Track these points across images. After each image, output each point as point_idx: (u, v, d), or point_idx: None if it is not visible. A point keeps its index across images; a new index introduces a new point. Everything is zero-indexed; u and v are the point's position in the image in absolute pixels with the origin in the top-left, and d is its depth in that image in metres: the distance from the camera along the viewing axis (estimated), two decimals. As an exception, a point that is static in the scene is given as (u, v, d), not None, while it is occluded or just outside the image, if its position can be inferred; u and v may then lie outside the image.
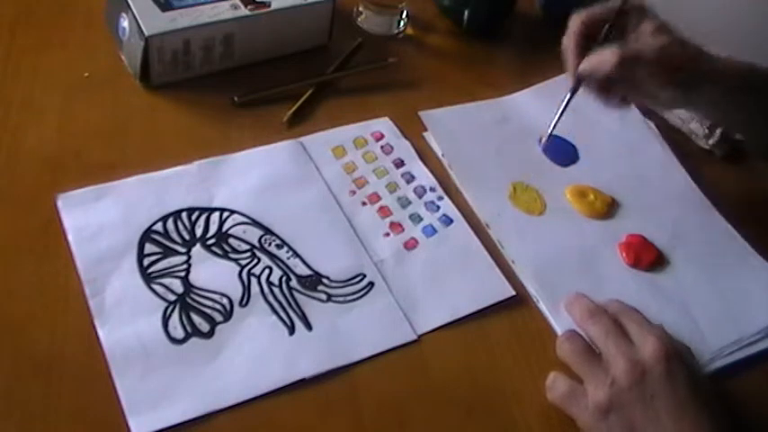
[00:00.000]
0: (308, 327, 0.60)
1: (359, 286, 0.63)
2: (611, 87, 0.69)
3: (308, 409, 0.55)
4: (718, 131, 0.82)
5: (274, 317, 0.60)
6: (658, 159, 0.80)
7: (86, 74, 0.74)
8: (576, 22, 0.68)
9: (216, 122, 0.73)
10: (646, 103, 0.77)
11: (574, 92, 0.71)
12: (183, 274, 0.61)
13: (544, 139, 0.75)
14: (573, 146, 0.79)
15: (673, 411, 0.54)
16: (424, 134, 0.77)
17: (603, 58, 0.66)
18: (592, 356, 0.58)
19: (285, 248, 0.64)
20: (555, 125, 0.73)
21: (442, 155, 0.75)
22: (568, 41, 0.68)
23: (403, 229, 0.68)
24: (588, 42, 0.68)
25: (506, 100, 0.82)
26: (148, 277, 0.60)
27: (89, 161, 0.67)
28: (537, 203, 0.73)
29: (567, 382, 0.58)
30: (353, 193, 0.70)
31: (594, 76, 0.67)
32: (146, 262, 0.61)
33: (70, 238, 0.61)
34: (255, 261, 0.63)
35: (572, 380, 0.58)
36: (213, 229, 0.64)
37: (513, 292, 0.65)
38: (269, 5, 0.76)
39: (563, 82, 0.71)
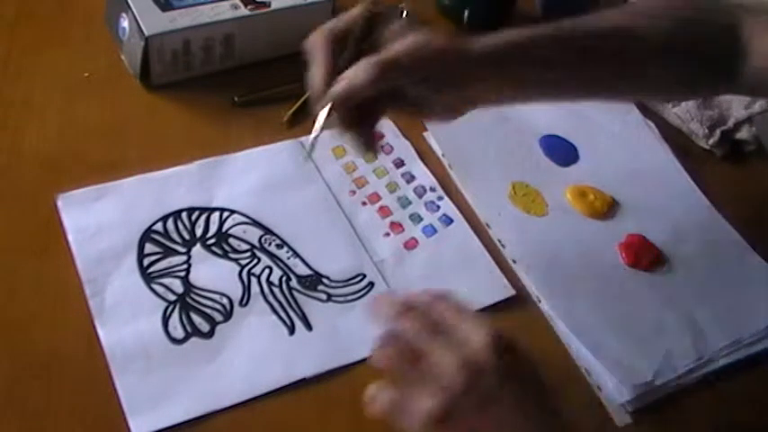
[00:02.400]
0: (308, 327, 0.60)
1: (359, 286, 0.63)
2: (372, 109, 0.58)
3: (308, 409, 0.55)
4: (718, 131, 0.82)
5: (274, 317, 0.60)
6: (658, 159, 0.80)
7: (86, 74, 0.74)
8: (318, 40, 0.56)
9: (216, 122, 0.73)
10: (428, 119, 0.66)
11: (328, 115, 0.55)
12: (183, 273, 0.61)
13: (307, 148, 0.58)
14: (573, 146, 0.79)
15: (514, 410, 0.48)
16: (424, 134, 0.77)
17: (357, 74, 0.53)
18: (415, 357, 0.49)
19: (285, 248, 0.64)
20: (314, 143, 0.57)
21: (442, 155, 0.75)
22: (314, 66, 0.55)
23: (403, 229, 0.68)
24: (335, 58, 0.56)
25: (506, 100, 0.82)
26: (148, 277, 0.60)
27: (89, 161, 0.67)
28: (537, 203, 0.73)
29: (390, 392, 0.49)
30: (353, 193, 0.70)
31: (351, 98, 0.54)
32: (146, 262, 0.61)
33: (70, 237, 0.61)
34: (255, 261, 0.63)
35: (397, 389, 0.49)
36: (213, 228, 0.64)
37: (513, 292, 0.65)
38: (269, 5, 0.76)
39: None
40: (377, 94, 0.55)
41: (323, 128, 0.55)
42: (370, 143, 0.58)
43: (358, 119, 0.57)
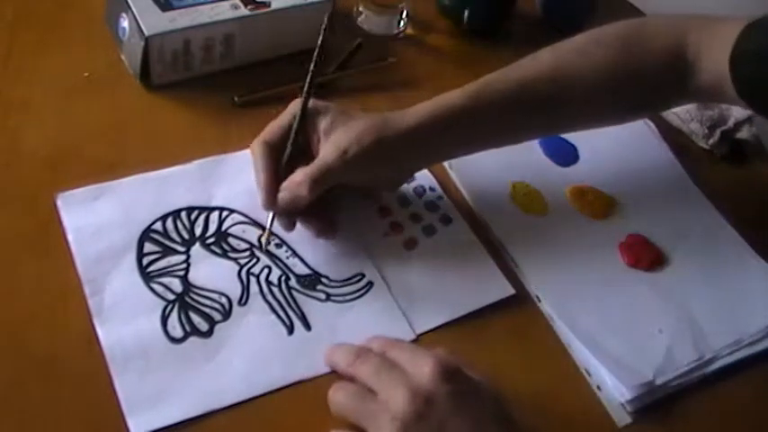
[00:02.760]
0: (307, 326, 0.60)
1: (358, 286, 0.63)
2: (324, 200, 0.63)
3: (308, 409, 0.55)
4: (718, 131, 0.82)
5: (273, 316, 0.60)
6: (658, 159, 0.80)
7: (86, 74, 0.74)
8: (259, 148, 0.63)
9: (216, 122, 0.73)
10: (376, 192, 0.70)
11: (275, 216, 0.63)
12: (182, 273, 0.61)
13: (264, 244, 0.63)
14: (573, 146, 0.79)
15: None
16: (424, 134, 0.77)
17: (296, 186, 0.61)
18: (367, 398, 0.51)
19: (284, 248, 0.64)
20: (268, 240, 0.63)
21: (442, 155, 0.75)
22: (259, 174, 0.62)
23: (403, 229, 0.68)
24: (278, 160, 0.63)
25: (506, 100, 0.82)
26: (148, 276, 0.60)
27: (89, 161, 0.67)
28: (537, 203, 0.73)
29: None
30: (353, 192, 0.70)
31: (293, 209, 0.62)
32: (145, 261, 0.61)
33: (70, 237, 0.61)
34: (254, 260, 0.63)
35: (353, 431, 0.52)
36: (212, 228, 0.64)
37: (513, 292, 0.65)
38: (269, 5, 0.76)
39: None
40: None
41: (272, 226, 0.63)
42: (322, 230, 0.64)
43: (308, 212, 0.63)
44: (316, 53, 0.65)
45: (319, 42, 0.65)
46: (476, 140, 0.68)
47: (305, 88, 0.64)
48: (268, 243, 0.63)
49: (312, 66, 0.65)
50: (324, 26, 0.65)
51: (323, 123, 0.63)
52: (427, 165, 0.70)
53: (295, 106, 0.64)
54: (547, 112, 0.68)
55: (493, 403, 0.52)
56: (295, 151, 0.63)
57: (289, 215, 0.63)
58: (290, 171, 0.62)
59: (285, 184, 0.62)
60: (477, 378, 0.53)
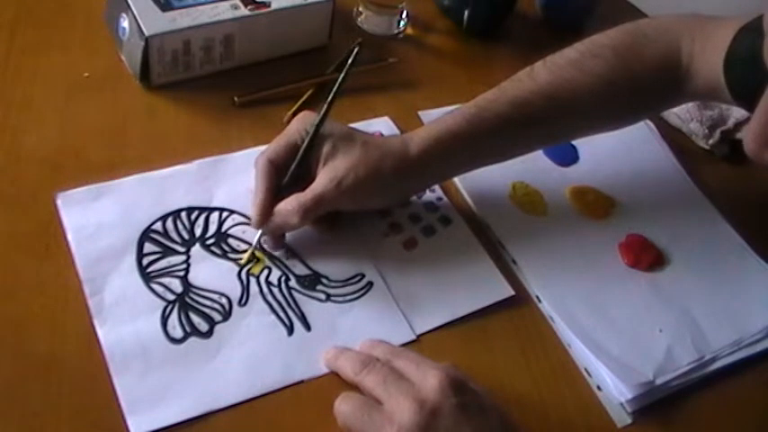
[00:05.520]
0: (307, 327, 0.60)
1: (358, 286, 0.63)
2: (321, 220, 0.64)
3: (308, 409, 0.55)
4: (718, 132, 0.82)
5: (273, 316, 0.60)
6: (658, 159, 0.80)
7: (86, 74, 0.74)
8: (262, 165, 0.62)
9: (216, 122, 0.73)
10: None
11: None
12: (182, 273, 0.61)
13: (245, 259, 0.63)
14: (573, 146, 0.79)
15: None
16: (424, 134, 0.77)
17: (288, 213, 0.61)
18: (373, 409, 0.52)
19: (284, 248, 0.64)
20: (250, 258, 0.63)
21: (442, 155, 0.75)
22: (257, 192, 0.62)
23: (402, 229, 0.68)
24: (279, 180, 0.63)
25: (506, 100, 0.82)
26: (147, 276, 0.60)
27: (89, 161, 0.67)
28: (537, 204, 0.73)
29: None
30: (353, 192, 0.70)
31: (283, 231, 0.63)
32: (145, 261, 0.61)
33: (70, 236, 0.61)
34: (254, 261, 0.63)
35: None
36: (212, 228, 0.64)
37: (513, 292, 0.65)
38: (269, 5, 0.76)
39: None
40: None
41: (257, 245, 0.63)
42: (324, 227, 0.65)
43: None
44: (338, 81, 0.64)
45: (344, 74, 0.65)
46: (475, 162, 0.69)
47: (320, 115, 0.63)
48: (249, 261, 0.63)
49: (331, 95, 0.64)
50: (352, 56, 0.65)
51: (325, 148, 0.62)
52: (426, 189, 0.71)
53: (301, 122, 0.64)
54: (546, 128, 0.68)
55: (498, 417, 0.52)
56: (298, 173, 0.63)
57: (276, 237, 0.64)
58: (291, 191, 0.62)
59: (278, 208, 0.62)
60: (483, 392, 0.53)
